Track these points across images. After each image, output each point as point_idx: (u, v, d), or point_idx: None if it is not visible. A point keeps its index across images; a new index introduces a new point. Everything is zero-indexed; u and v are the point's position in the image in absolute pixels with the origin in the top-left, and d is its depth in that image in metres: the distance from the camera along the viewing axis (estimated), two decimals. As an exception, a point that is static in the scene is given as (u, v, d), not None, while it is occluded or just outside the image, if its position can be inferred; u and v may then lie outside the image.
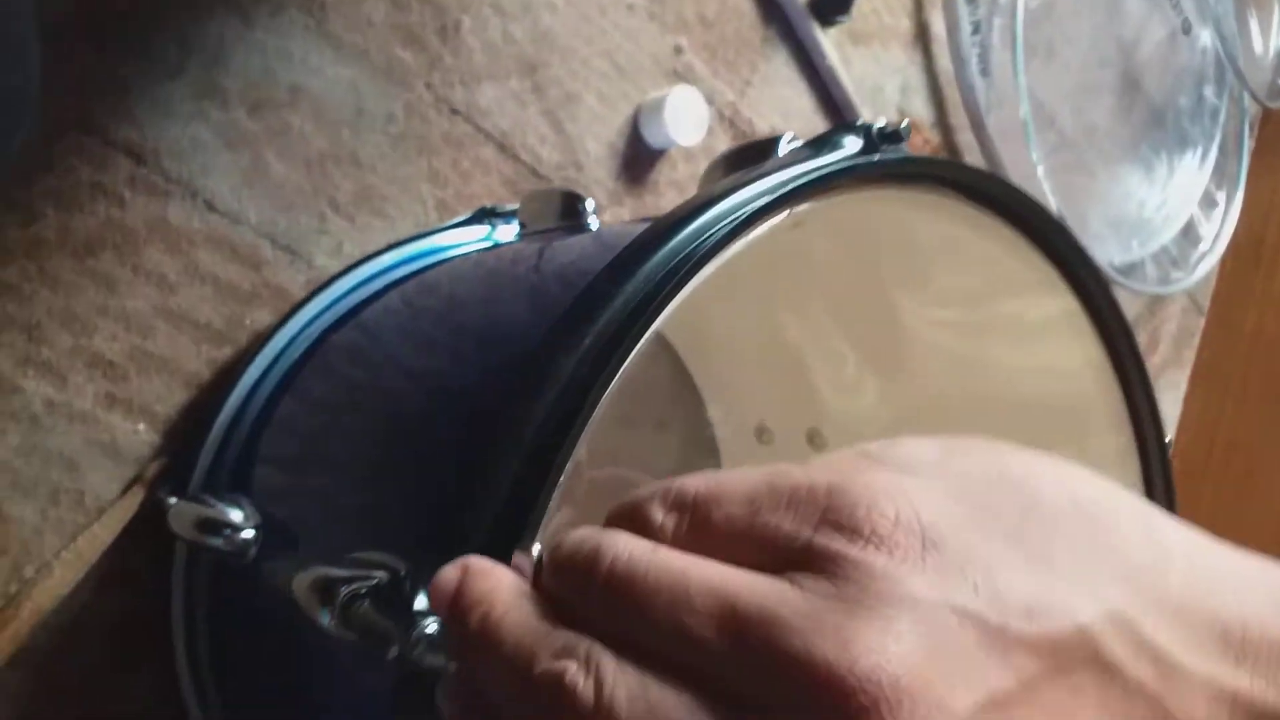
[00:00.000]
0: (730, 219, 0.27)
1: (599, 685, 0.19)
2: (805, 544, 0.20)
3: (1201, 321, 1.07)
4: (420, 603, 0.24)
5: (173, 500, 0.42)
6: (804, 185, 0.28)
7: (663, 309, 0.26)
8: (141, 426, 0.45)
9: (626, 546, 0.22)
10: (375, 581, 0.26)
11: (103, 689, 0.44)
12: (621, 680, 0.19)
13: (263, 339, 0.47)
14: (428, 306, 0.46)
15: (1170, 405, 1.06)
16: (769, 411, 0.60)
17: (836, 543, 0.20)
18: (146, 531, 0.44)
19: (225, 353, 0.47)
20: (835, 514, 0.21)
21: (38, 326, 0.42)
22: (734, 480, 0.23)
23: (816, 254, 0.43)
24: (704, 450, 0.66)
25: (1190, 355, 1.06)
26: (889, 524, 0.20)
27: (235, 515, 0.38)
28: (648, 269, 0.26)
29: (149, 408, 0.45)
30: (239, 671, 0.42)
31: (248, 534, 0.37)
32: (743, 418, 0.62)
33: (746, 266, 0.32)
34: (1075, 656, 0.20)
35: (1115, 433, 0.46)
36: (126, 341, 0.44)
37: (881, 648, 0.18)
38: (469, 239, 0.51)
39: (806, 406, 0.57)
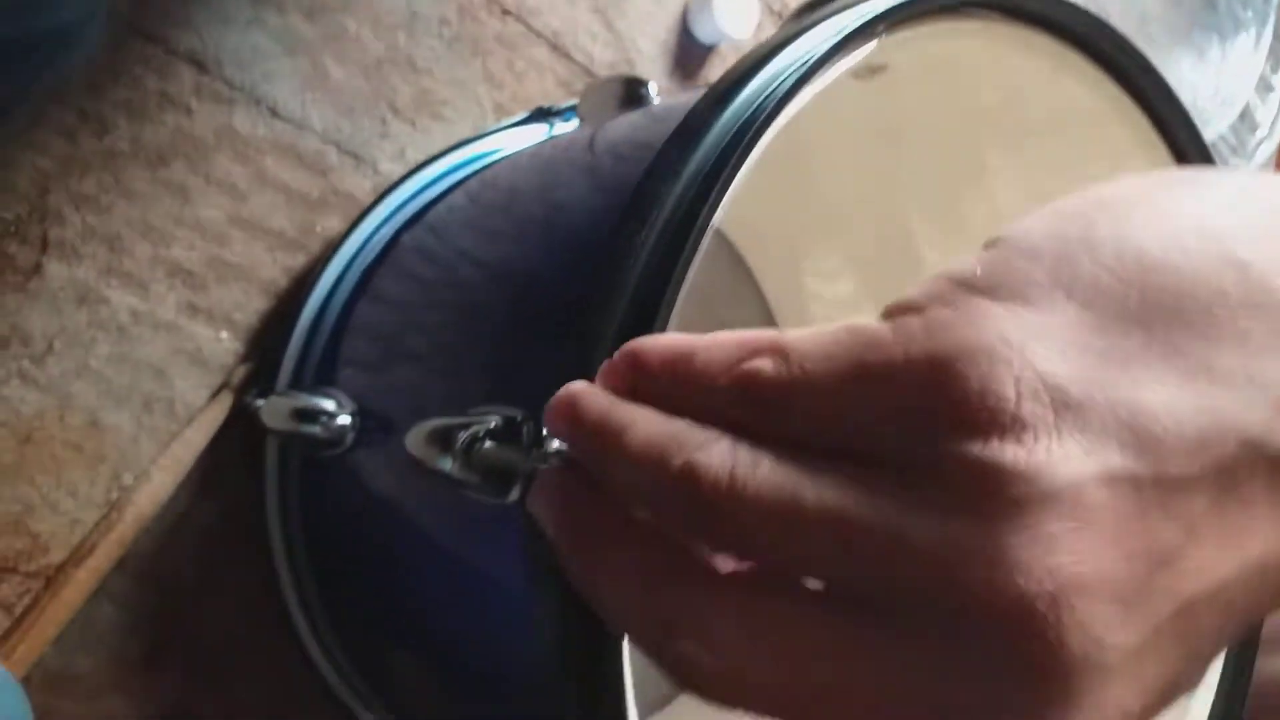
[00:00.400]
0: (824, 42, 0.27)
1: (736, 466, 0.19)
2: (922, 455, 0.18)
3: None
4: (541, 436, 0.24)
5: (261, 401, 0.42)
6: (897, 6, 0.27)
7: (764, 131, 0.25)
8: (224, 334, 0.45)
9: (723, 464, 0.19)
10: (492, 425, 0.26)
11: (205, 588, 0.45)
12: (761, 466, 0.19)
13: (335, 245, 0.47)
14: (491, 200, 0.46)
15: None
16: (834, 306, 0.60)
17: (955, 446, 0.17)
18: (237, 436, 0.45)
19: (299, 260, 0.47)
20: (945, 406, 0.17)
21: (118, 238, 0.43)
22: (818, 361, 0.19)
23: (896, 106, 0.42)
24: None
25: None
26: (1010, 402, 0.17)
27: (329, 404, 0.38)
28: (746, 95, 0.26)
29: (229, 316, 0.45)
30: (334, 563, 0.43)
31: (344, 419, 0.38)
32: (804, 313, 0.62)
33: (819, 129, 0.31)
34: (1243, 470, 0.18)
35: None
36: (204, 250, 0.44)
37: (1029, 565, 0.16)
38: (528, 138, 0.51)
39: (866, 279, 0.56)
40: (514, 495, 0.27)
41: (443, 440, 0.27)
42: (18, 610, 0.41)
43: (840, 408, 0.19)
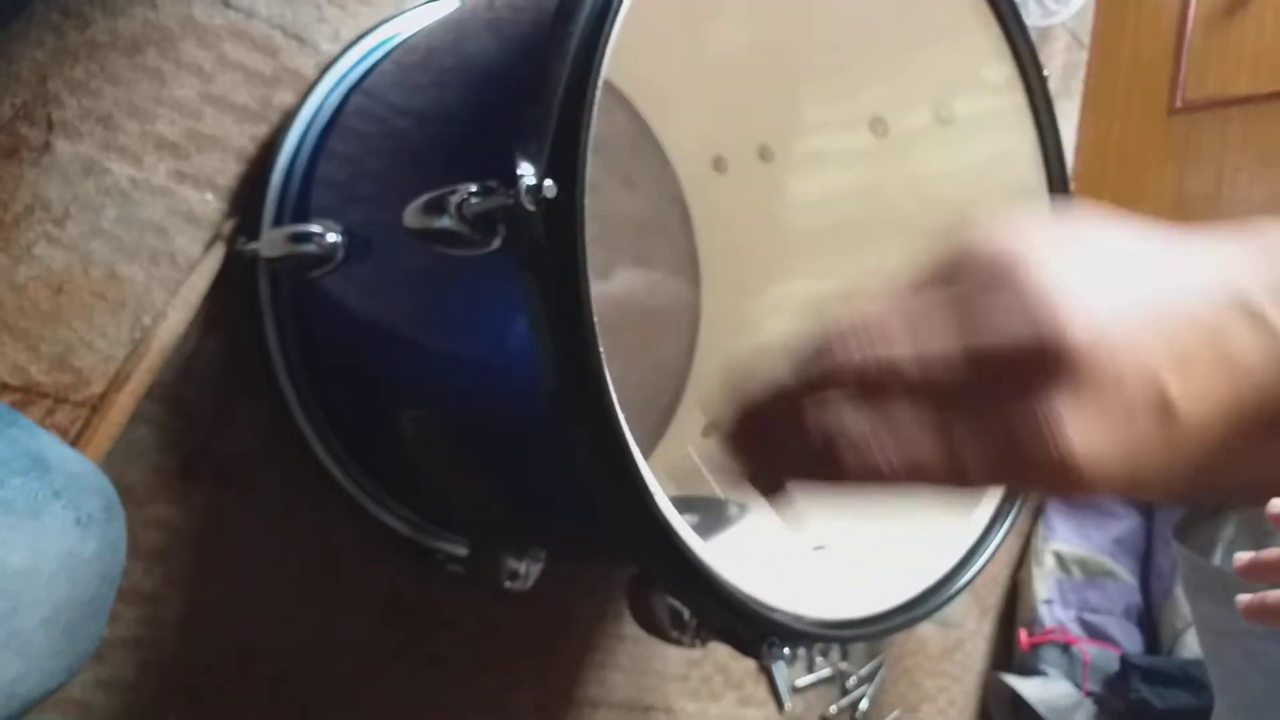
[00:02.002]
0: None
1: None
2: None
3: (1084, 55, 1.19)
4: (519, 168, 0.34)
5: (252, 244, 0.51)
6: None
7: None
8: (209, 196, 0.53)
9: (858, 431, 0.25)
10: (474, 189, 0.36)
11: (223, 411, 0.53)
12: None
13: (291, 115, 0.55)
14: (413, 61, 0.55)
15: (1067, 134, 1.18)
16: (720, 141, 0.70)
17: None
18: (233, 282, 0.53)
19: (263, 129, 0.55)
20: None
21: (110, 117, 0.50)
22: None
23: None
24: (670, 199, 0.76)
25: (1078, 86, 1.18)
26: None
27: (317, 226, 0.47)
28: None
29: (212, 180, 0.53)
30: (331, 374, 0.52)
31: (333, 236, 0.46)
32: (699, 154, 0.72)
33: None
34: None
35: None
36: (182, 125, 0.52)
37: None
38: (442, 9, 0.59)
39: (753, 126, 0.67)
40: (497, 242, 0.37)
41: (436, 207, 0.36)
42: (72, 434, 0.49)
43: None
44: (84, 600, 0.39)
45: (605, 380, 0.36)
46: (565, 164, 0.34)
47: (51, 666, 0.38)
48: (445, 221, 0.36)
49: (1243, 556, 0.48)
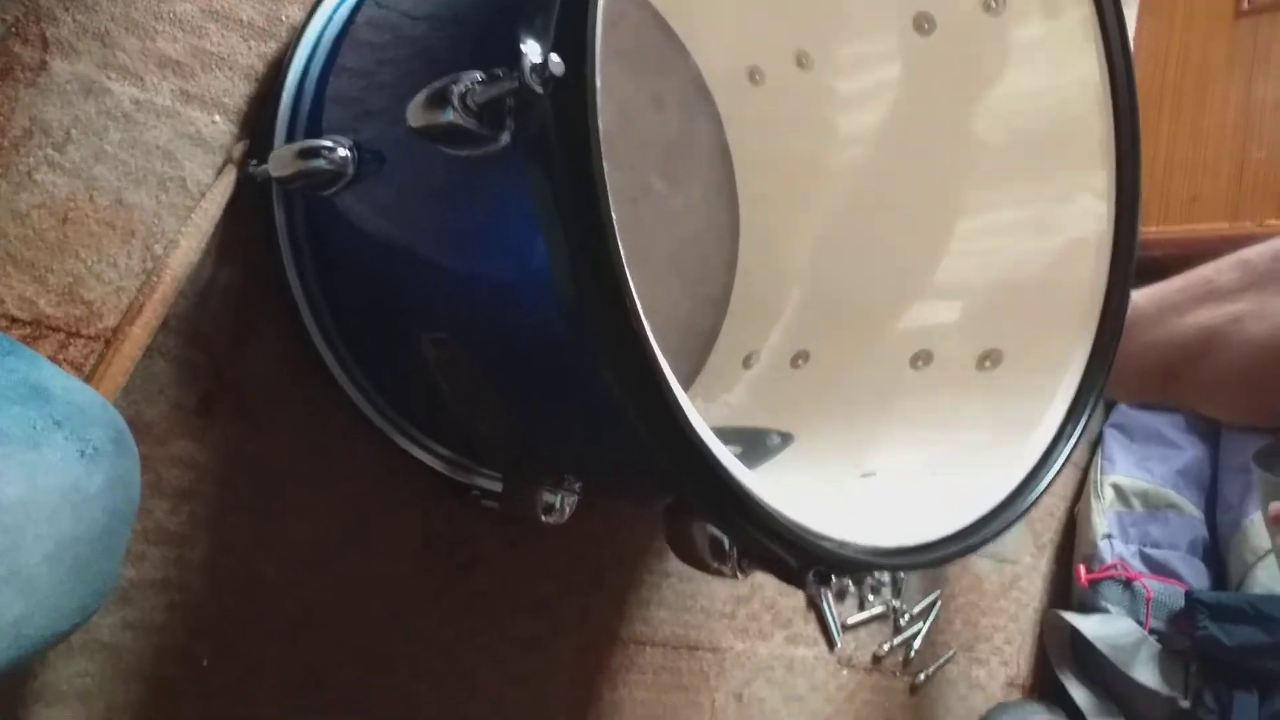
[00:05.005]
0: None
1: None
2: None
3: (1145, -41, 1.12)
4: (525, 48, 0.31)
5: (263, 166, 0.48)
6: None
7: None
8: (217, 118, 0.50)
9: None
10: (479, 77, 0.33)
11: (241, 342, 0.51)
12: None
13: (300, 30, 0.52)
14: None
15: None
16: (755, 51, 0.66)
17: None
18: (246, 207, 0.50)
19: (271, 47, 0.52)
20: None
21: (107, 33, 0.47)
22: None
23: None
24: (704, 116, 0.72)
25: (1137, -7, 1.11)
26: None
27: (327, 141, 0.44)
28: None
29: (219, 100, 0.50)
30: (349, 297, 0.50)
31: (343, 151, 0.44)
32: (733, 67, 0.68)
33: None
34: None
35: None
36: (185, 42, 0.49)
37: None
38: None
39: (789, 31, 0.62)
40: (506, 137, 0.34)
41: (439, 99, 0.33)
42: (87, 369, 0.47)
43: None
44: (92, 537, 0.37)
45: (627, 284, 0.33)
46: (573, 38, 0.31)
47: (60, 606, 0.37)
48: (449, 115, 0.33)
49: None
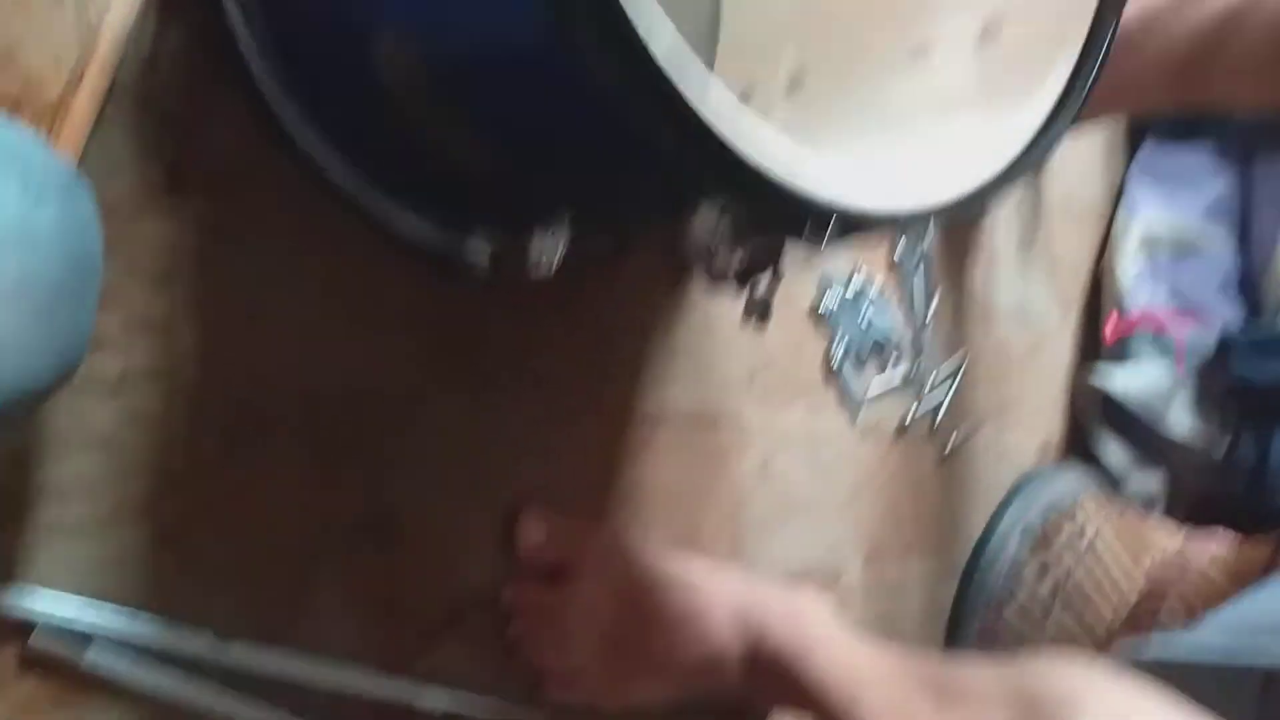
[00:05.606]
0: None
1: None
2: None
3: None
4: None
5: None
6: None
7: None
8: None
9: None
10: None
11: (199, 112, 0.48)
12: None
13: None
14: None
15: None
16: None
17: None
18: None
19: None
20: None
21: None
22: None
23: None
24: None
25: None
26: None
27: None
28: None
29: None
30: (308, 51, 0.46)
31: None
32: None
33: None
34: None
35: None
36: None
37: None
38: None
39: None
40: None
41: None
42: (37, 145, 0.44)
43: None
44: (53, 281, 0.35)
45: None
46: None
47: (32, 358, 0.35)
48: None
49: None
